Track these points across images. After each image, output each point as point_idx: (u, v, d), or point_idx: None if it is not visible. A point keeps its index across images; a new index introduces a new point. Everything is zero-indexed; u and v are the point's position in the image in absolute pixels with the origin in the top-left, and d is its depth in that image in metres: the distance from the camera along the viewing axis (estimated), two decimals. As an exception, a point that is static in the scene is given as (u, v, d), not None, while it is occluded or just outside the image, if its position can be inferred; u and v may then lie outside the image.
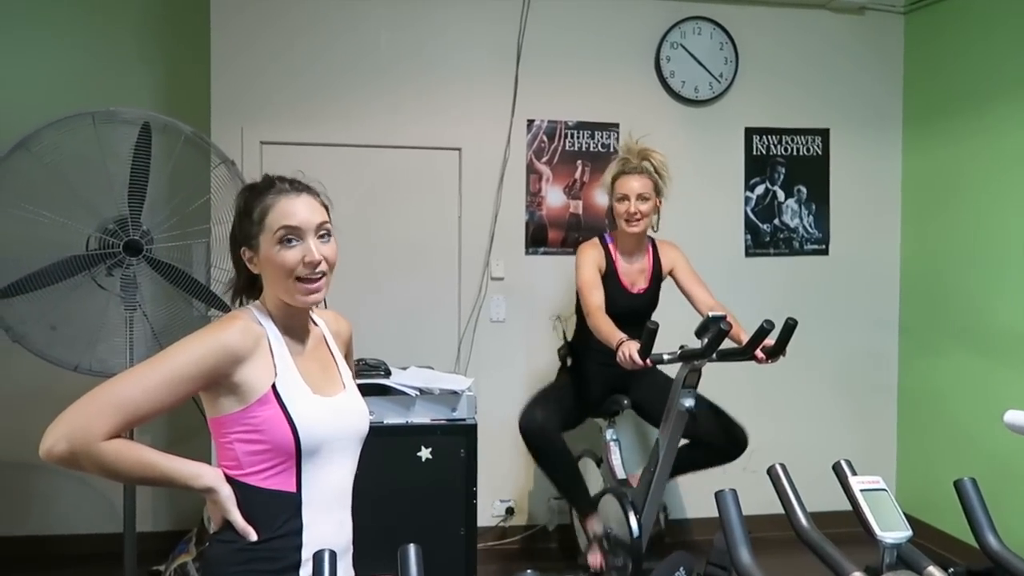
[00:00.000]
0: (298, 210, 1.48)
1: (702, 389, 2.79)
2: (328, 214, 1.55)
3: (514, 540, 3.91)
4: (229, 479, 1.45)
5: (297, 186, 1.52)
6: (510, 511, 3.89)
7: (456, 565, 2.51)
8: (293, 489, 1.46)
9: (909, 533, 1.17)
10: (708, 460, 3.06)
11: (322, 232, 1.51)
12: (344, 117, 3.73)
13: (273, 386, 1.45)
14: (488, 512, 3.88)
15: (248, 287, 1.60)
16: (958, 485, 1.29)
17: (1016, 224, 3.42)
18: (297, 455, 1.45)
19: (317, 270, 1.48)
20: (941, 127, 3.90)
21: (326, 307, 1.65)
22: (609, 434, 3.27)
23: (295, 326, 1.55)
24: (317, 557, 1.12)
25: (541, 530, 3.90)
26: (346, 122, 3.73)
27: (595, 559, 3.10)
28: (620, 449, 3.27)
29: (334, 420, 1.52)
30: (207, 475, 1.44)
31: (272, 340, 1.49)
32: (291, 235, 1.47)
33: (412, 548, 1.14)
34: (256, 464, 1.45)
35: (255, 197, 1.51)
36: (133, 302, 2.81)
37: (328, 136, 3.71)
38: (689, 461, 3.06)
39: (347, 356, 1.74)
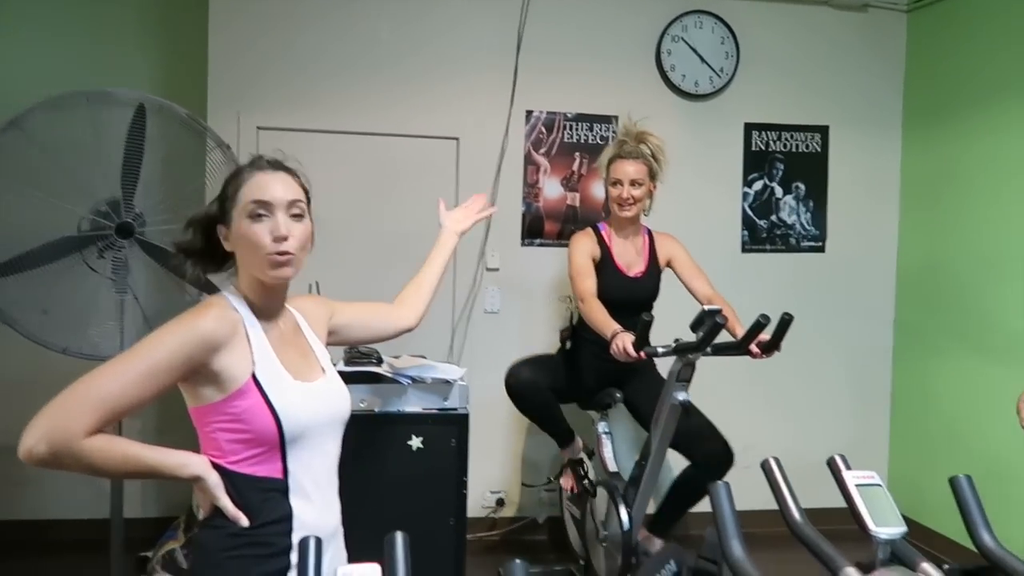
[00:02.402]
0: (271, 184, 1.47)
1: (698, 386, 2.78)
2: (306, 195, 1.54)
3: (504, 531, 3.90)
4: (216, 466, 1.44)
5: (275, 164, 1.52)
6: (500, 502, 3.88)
7: (445, 555, 2.50)
8: (280, 475, 1.46)
9: (904, 529, 1.16)
10: (700, 485, 2.97)
11: (295, 211, 1.49)
12: (342, 104, 3.70)
13: (253, 375, 1.43)
14: (478, 503, 3.87)
15: (205, 259, 1.57)
16: (954, 482, 1.28)
17: (1015, 224, 3.41)
18: (281, 442, 1.45)
19: (284, 246, 1.45)
20: (941, 126, 3.89)
21: (319, 291, 1.64)
22: (602, 427, 3.26)
23: (270, 309, 1.53)
24: (302, 544, 1.10)
25: (531, 522, 3.89)
26: (344, 109, 3.70)
27: (567, 482, 3.32)
28: (612, 442, 3.26)
29: (316, 406, 1.51)
30: (194, 463, 1.43)
31: (248, 326, 1.47)
32: (261, 209, 1.46)
33: (399, 536, 1.13)
34: (240, 452, 1.44)
35: (233, 175, 1.52)
36: (124, 285, 2.78)
37: (326, 123, 3.69)
38: (686, 493, 3.06)
39: (335, 313, 1.75)
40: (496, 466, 3.88)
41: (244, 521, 1.42)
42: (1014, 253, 3.42)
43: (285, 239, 1.45)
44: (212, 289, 2.59)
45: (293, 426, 1.44)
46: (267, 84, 3.63)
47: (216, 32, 3.57)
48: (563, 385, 3.14)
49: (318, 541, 1.11)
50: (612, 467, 3.18)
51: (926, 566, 1.15)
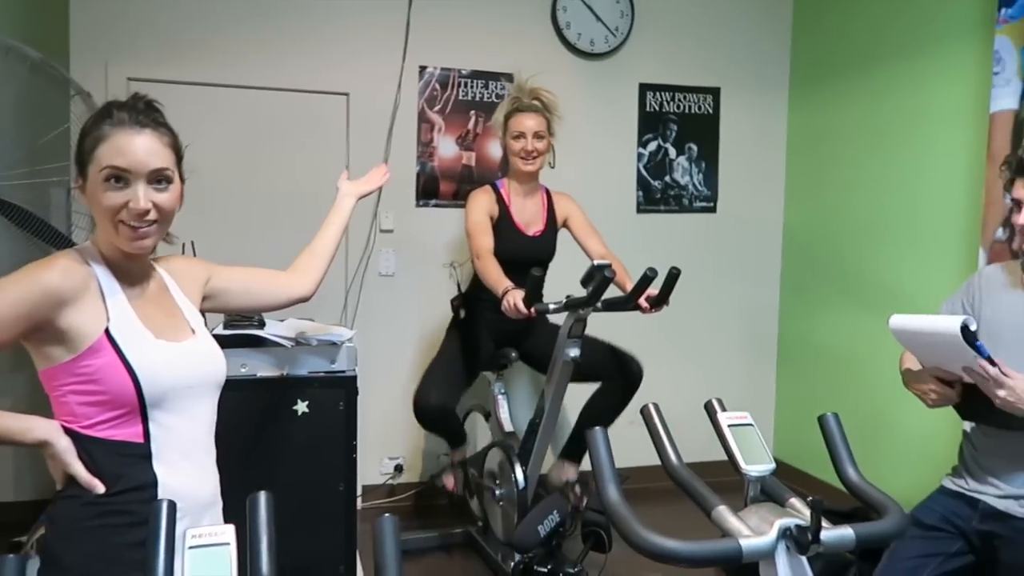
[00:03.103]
0: (132, 149, 1.32)
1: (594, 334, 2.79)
2: (176, 157, 1.40)
3: (403, 497, 3.86)
4: (69, 432, 1.34)
5: (140, 120, 1.35)
6: (399, 468, 3.83)
7: (336, 522, 2.42)
8: (140, 439, 1.36)
9: (772, 466, 1.18)
10: (609, 402, 3.04)
11: (159, 178, 1.35)
12: (223, 55, 3.49)
13: (107, 331, 1.32)
14: (376, 469, 3.81)
15: None
16: (821, 420, 1.31)
17: (893, 184, 3.57)
18: (141, 404, 1.35)
19: (144, 219, 1.34)
20: (824, 90, 4.02)
21: (194, 253, 1.53)
22: (497, 388, 3.25)
23: (130, 269, 1.42)
24: (155, 509, 1.02)
25: (430, 487, 3.86)
26: (225, 61, 3.49)
27: (449, 480, 3.37)
28: (508, 402, 3.25)
29: (182, 366, 1.41)
30: (39, 427, 1.33)
31: (103, 282, 1.36)
32: (117, 175, 1.32)
33: (262, 495, 1.07)
34: (94, 416, 1.34)
35: (93, 123, 1.35)
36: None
37: (205, 75, 3.46)
38: (594, 412, 3.07)
39: (212, 277, 1.65)
40: (395, 432, 3.82)
41: (99, 488, 1.33)
42: (888, 211, 3.58)
43: (145, 213, 1.33)
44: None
45: (153, 386, 1.35)
46: (139, 32, 3.37)
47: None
48: (464, 373, 3.09)
49: (171, 504, 1.03)
50: (508, 427, 3.18)
51: (794, 500, 1.17)
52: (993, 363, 1.75)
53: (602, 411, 3.03)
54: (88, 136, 1.34)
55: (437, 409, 2.97)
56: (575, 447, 3.18)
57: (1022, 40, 2.83)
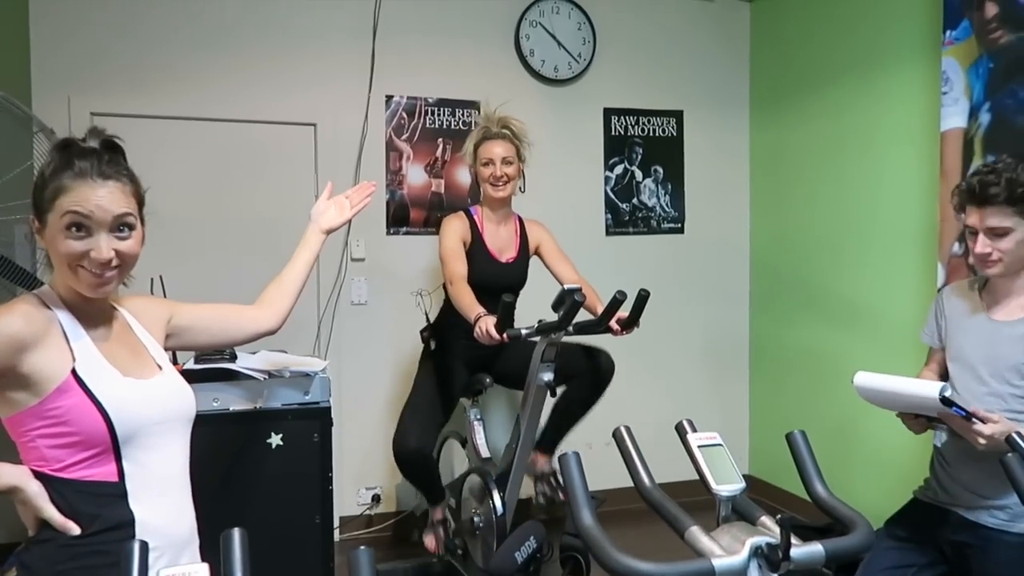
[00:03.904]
0: (96, 201, 1.30)
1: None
2: (138, 202, 1.39)
3: (382, 527, 3.82)
4: (40, 475, 1.32)
5: (103, 171, 1.33)
6: (376, 499, 3.80)
7: (313, 555, 2.40)
8: (115, 478, 1.35)
9: (742, 485, 1.19)
10: (581, 395, 3.02)
11: (121, 225, 1.34)
12: (188, 88, 3.48)
13: (73, 371, 1.31)
14: (353, 500, 3.78)
15: None
16: (789, 438, 1.33)
17: (851, 200, 3.65)
18: (114, 442, 1.34)
19: (107, 267, 1.33)
20: (784, 109, 4.12)
21: (163, 287, 1.52)
22: (473, 414, 3.24)
23: (91, 311, 1.41)
24: (126, 550, 1.01)
25: (408, 516, 3.83)
26: (190, 94, 3.48)
27: (430, 541, 3.25)
28: (484, 428, 3.25)
29: (151, 402, 1.41)
30: (6, 473, 1.31)
31: (66, 325, 1.35)
32: (79, 223, 1.30)
33: (236, 532, 1.06)
34: (66, 458, 1.32)
35: (53, 171, 1.32)
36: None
37: (170, 109, 3.46)
38: (567, 409, 3.06)
39: (174, 315, 1.63)
40: (370, 462, 3.79)
41: (75, 530, 1.31)
42: (848, 227, 3.67)
43: (107, 262, 1.32)
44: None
45: (125, 423, 1.34)
46: (102, 66, 3.36)
47: (38, 2, 3.26)
48: (440, 408, 3.06)
49: (143, 545, 1.03)
50: (484, 453, 3.17)
51: (764, 519, 1.19)
52: (970, 418, 1.78)
53: (574, 402, 3.03)
54: (48, 186, 1.32)
55: (416, 452, 2.92)
56: (548, 438, 3.16)
57: (968, 60, 2.93)
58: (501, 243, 3.07)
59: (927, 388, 1.77)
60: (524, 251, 3.12)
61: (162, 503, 1.41)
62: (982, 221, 1.90)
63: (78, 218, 1.30)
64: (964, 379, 2.02)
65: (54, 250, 1.33)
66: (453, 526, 3.20)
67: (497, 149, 2.95)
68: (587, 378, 3.00)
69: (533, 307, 3.01)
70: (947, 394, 1.74)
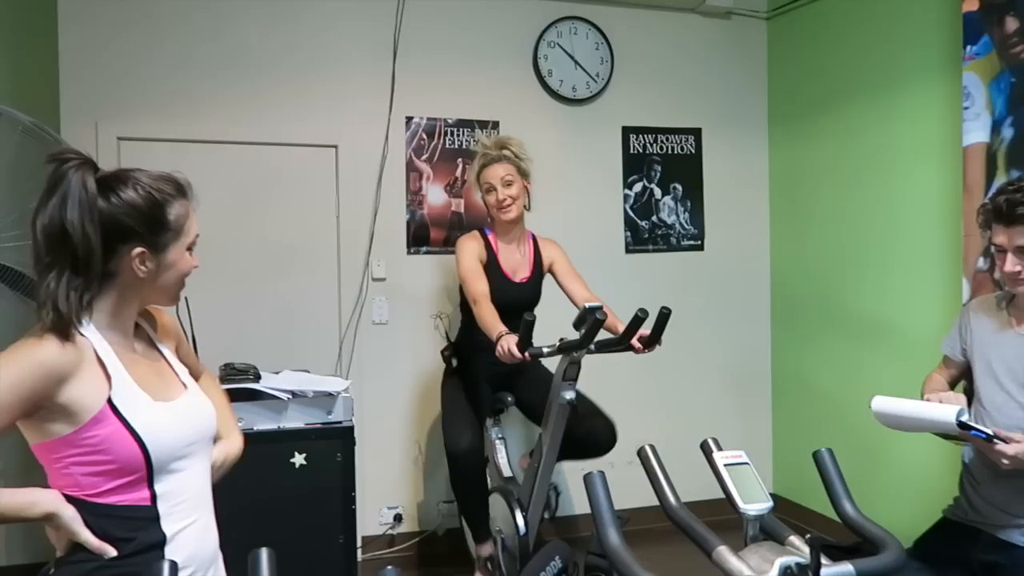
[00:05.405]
0: (196, 220, 1.51)
1: (586, 381, 2.80)
2: None
3: (404, 547, 3.81)
4: (73, 500, 1.32)
5: (191, 197, 1.51)
6: (398, 518, 3.80)
7: (336, 573, 2.41)
8: (148, 502, 1.36)
9: (770, 504, 1.19)
10: (579, 453, 3.03)
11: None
12: (211, 113, 3.54)
13: (109, 400, 1.32)
14: (375, 520, 3.77)
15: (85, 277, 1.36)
16: (816, 456, 1.32)
17: (873, 218, 3.63)
18: (148, 468, 1.35)
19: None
20: (802, 127, 4.11)
21: (188, 308, 1.57)
22: (494, 432, 3.24)
23: (123, 329, 1.43)
24: (155, 570, 1.03)
25: (431, 535, 3.82)
26: (213, 118, 3.54)
27: None
28: (506, 447, 3.24)
29: (181, 426, 1.42)
30: (43, 500, 1.30)
31: (99, 349, 1.35)
32: (194, 243, 1.50)
33: (264, 552, 1.07)
34: (101, 485, 1.33)
35: (172, 194, 1.45)
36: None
37: (195, 133, 3.51)
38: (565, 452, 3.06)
39: (179, 346, 1.64)
40: (392, 481, 3.79)
41: (111, 552, 1.32)
42: (870, 245, 3.64)
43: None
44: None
45: (159, 451, 1.35)
46: (128, 91, 3.43)
47: (67, 33, 3.34)
48: (479, 419, 3.08)
49: (173, 565, 1.04)
50: (507, 472, 3.17)
51: (793, 538, 1.18)
52: (991, 439, 1.77)
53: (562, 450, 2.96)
54: (172, 213, 1.43)
55: (469, 452, 2.94)
56: None
57: (989, 76, 2.92)
58: (515, 263, 3.09)
59: (944, 412, 1.76)
60: (538, 270, 3.14)
61: (191, 522, 1.42)
62: (1011, 240, 1.90)
63: (195, 240, 1.49)
64: (994, 394, 2.00)
65: (174, 271, 1.44)
66: (499, 561, 3.04)
67: (498, 171, 2.99)
68: (587, 444, 2.98)
69: (550, 326, 3.01)
70: (964, 419, 1.73)
